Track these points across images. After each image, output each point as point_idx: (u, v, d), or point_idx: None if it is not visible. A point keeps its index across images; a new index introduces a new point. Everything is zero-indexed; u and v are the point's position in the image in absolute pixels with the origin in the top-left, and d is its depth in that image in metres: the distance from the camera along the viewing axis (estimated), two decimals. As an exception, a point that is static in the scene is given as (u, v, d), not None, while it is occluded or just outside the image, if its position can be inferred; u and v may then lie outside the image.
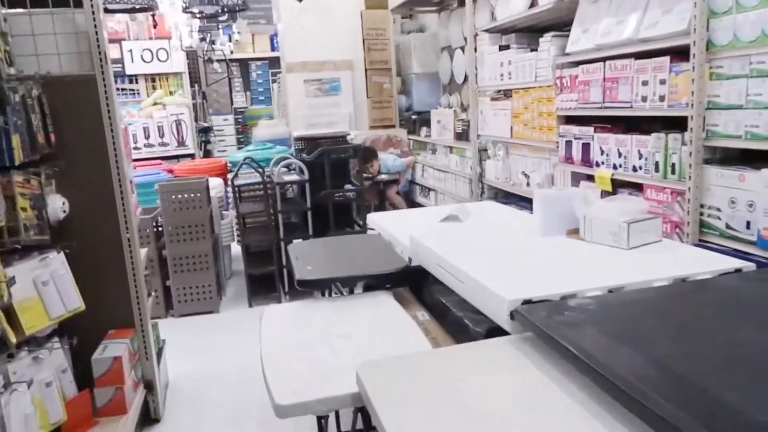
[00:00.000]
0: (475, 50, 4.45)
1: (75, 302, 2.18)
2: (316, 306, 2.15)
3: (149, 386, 2.62)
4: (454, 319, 1.98)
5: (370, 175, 5.21)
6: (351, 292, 2.52)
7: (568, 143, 3.27)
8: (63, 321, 2.19)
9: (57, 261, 2.15)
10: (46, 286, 2.07)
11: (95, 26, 2.23)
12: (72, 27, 2.26)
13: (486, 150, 4.49)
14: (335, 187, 4.35)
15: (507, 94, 4.14)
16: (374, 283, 2.36)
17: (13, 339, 1.64)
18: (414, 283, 2.36)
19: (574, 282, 1.58)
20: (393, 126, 6.43)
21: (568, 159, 3.28)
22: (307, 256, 2.51)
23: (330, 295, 2.58)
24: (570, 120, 3.31)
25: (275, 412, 1.49)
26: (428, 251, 2.07)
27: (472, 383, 1.29)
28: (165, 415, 2.75)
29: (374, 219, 3.00)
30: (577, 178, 3.30)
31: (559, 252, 1.93)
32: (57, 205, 2.28)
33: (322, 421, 1.86)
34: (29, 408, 1.76)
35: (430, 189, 5.77)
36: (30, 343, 2.08)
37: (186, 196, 3.94)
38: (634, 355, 1.17)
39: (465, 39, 5.01)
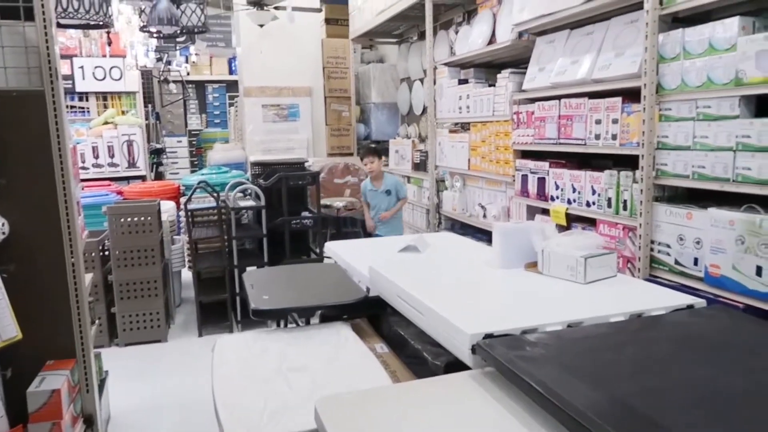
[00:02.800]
0: (434, 82, 4.52)
1: (11, 331, 2.04)
2: (272, 337, 2.08)
3: (89, 421, 2.46)
4: (413, 351, 1.96)
5: (364, 176, 5.09)
6: (307, 322, 2.46)
7: (524, 177, 3.33)
8: (-3, 351, 2.05)
9: (-7, 286, 2.02)
10: (-19, 313, 1.94)
11: (46, 41, 2.14)
12: (22, 41, 2.17)
13: (443, 181, 4.54)
14: (292, 213, 4.30)
15: (465, 126, 4.21)
16: (331, 314, 2.31)
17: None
18: (372, 314, 2.33)
19: (534, 316, 1.59)
20: (351, 154, 6.44)
21: (524, 192, 3.34)
22: (262, 284, 2.44)
23: (285, 325, 2.52)
24: (526, 154, 3.38)
25: (226, 451, 1.42)
26: (388, 282, 2.05)
27: (434, 419, 1.26)
28: (104, 452, 2.60)
29: (331, 247, 2.96)
30: (532, 212, 3.36)
31: (518, 285, 1.94)
32: (-4, 227, 2.15)
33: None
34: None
35: (386, 218, 5.77)
36: (-41, 374, 1.93)
37: (136, 219, 3.80)
38: (593, 390, 1.17)
39: (424, 71, 5.09)
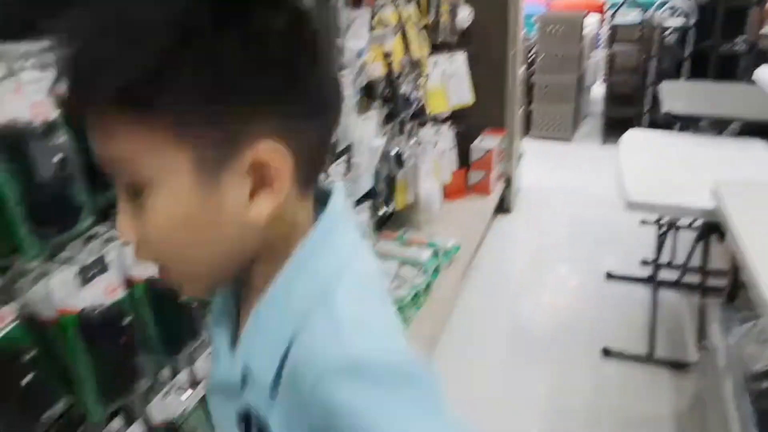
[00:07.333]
0: None
1: (467, 97, 2.69)
2: (677, 138, 2.22)
3: (507, 182, 3.13)
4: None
5: None
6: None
7: None
8: (455, 111, 2.74)
9: (459, 60, 2.64)
10: (450, 79, 2.60)
11: None
12: None
13: None
14: (725, 38, 3.93)
15: None
16: (747, 130, 2.27)
17: (429, 111, 2.19)
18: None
19: None
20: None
21: None
22: (678, 93, 2.51)
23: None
24: None
25: (626, 206, 1.73)
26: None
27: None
28: (514, 209, 3.23)
29: (763, 72, 2.73)
30: None
31: None
32: (465, 14, 2.72)
33: (663, 237, 2.00)
34: (431, 164, 2.36)
35: None
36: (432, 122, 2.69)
37: (561, 29, 4.10)
38: None
39: None
